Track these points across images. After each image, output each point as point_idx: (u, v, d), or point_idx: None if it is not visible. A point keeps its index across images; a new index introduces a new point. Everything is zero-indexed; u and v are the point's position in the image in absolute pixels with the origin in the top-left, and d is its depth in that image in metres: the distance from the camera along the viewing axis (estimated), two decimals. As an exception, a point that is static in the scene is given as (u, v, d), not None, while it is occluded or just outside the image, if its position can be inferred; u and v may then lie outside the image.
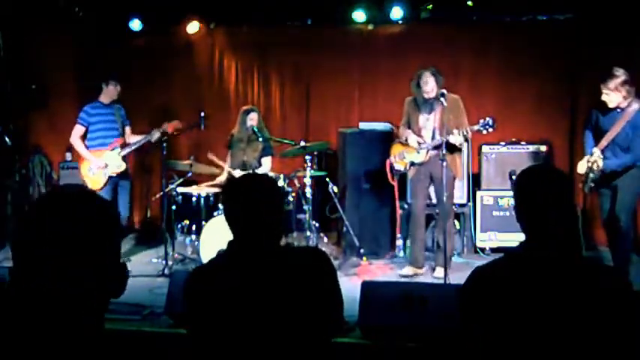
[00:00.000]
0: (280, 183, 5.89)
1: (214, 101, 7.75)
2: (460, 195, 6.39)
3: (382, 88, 7.41)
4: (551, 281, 1.90)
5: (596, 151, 5.04)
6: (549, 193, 2.00)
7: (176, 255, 6.00)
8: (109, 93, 6.28)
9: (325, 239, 6.52)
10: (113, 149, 6.19)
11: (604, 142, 5.02)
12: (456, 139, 5.34)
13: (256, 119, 6.22)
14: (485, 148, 6.68)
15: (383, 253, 6.33)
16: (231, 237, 2.19)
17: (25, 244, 1.40)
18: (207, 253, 5.49)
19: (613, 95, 4.91)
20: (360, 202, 6.44)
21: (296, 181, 6.19)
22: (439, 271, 5.51)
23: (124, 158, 6.25)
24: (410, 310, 3.90)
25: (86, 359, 1.39)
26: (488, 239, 6.50)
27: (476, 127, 5.31)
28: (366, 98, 7.54)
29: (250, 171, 6.00)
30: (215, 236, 5.51)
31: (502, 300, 1.92)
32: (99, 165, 6.12)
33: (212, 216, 5.78)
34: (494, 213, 6.52)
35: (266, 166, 6.28)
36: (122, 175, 6.30)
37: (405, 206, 6.26)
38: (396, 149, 5.82)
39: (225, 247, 2.19)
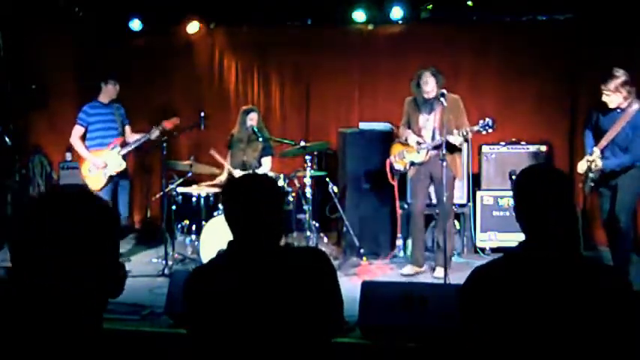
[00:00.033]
0: (280, 183, 5.89)
1: (214, 101, 7.75)
2: (460, 195, 6.39)
3: (382, 88, 7.41)
4: (551, 281, 1.90)
5: (596, 150, 5.04)
6: (549, 193, 2.00)
7: (176, 255, 6.00)
8: (108, 92, 6.28)
9: (325, 239, 6.52)
10: (113, 148, 6.19)
11: (603, 142, 5.03)
12: (455, 139, 5.34)
13: (256, 119, 6.22)
14: (485, 148, 6.68)
15: (383, 253, 6.32)
16: (231, 237, 2.19)
17: (25, 243, 1.40)
18: (207, 253, 5.49)
19: (613, 96, 4.91)
20: (360, 202, 6.44)
21: (296, 181, 6.19)
22: (439, 271, 5.51)
23: (124, 157, 6.25)
24: (410, 310, 3.90)
25: (86, 359, 1.39)
26: (488, 239, 6.50)
27: (476, 128, 5.31)
28: (366, 98, 7.54)
29: (250, 171, 6.00)
30: (215, 236, 5.51)
31: (502, 300, 1.92)
32: (99, 165, 6.12)
33: (212, 216, 5.78)
34: (494, 213, 6.52)
35: (266, 166, 6.28)
36: (122, 175, 6.30)
37: (405, 206, 6.26)
38: (396, 149, 5.82)
39: (225, 247, 2.19)
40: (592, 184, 5.13)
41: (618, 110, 4.98)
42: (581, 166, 5.18)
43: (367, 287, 4.10)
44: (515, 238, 5.90)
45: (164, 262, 5.77)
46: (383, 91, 7.38)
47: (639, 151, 4.92)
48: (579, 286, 1.90)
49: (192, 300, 2.14)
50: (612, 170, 5.00)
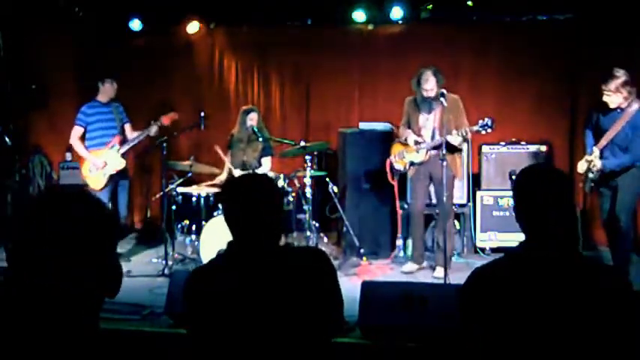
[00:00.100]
0: (280, 183, 5.89)
1: (214, 101, 7.75)
2: (460, 195, 6.39)
3: (382, 88, 7.41)
4: (551, 281, 1.90)
5: (595, 150, 5.04)
6: (549, 193, 2.00)
7: (176, 255, 6.00)
8: (106, 91, 6.28)
9: (325, 239, 6.51)
10: (112, 147, 6.19)
11: (603, 142, 5.03)
12: (454, 139, 5.34)
13: (256, 119, 6.22)
14: (485, 148, 6.68)
15: (383, 254, 6.32)
16: (231, 237, 2.19)
17: (25, 243, 1.40)
18: (207, 253, 5.49)
19: (614, 96, 4.91)
20: (360, 202, 6.44)
21: (296, 181, 6.19)
22: (439, 271, 5.51)
23: (124, 156, 6.25)
24: (410, 310, 3.90)
25: (85, 357, 1.40)
26: (488, 239, 6.50)
27: (475, 128, 5.31)
28: (366, 98, 7.53)
29: (250, 171, 6.01)
30: (215, 236, 5.51)
31: (502, 300, 1.92)
32: (98, 165, 6.12)
33: (212, 216, 5.78)
34: (494, 213, 6.52)
35: (266, 166, 6.29)
36: (121, 175, 6.30)
37: (405, 206, 6.26)
38: (396, 149, 5.83)
39: (225, 247, 2.19)
40: (592, 184, 5.14)
41: (618, 110, 4.98)
42: (581, 166, 5.18)
43: (367, 287, 4.10)
44: (515, 238, 5.91)
45: (164, 262, 5.77)
46: (383, 91, 7.38)
47: (639, 151, 4.92)
48: (579, 286, 1.90)
49: (192, 300, 2.14)
50: (612, 170, 5.01)
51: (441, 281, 5.17)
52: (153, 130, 6.17)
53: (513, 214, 2.08)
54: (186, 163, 6.06)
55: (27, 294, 1.38)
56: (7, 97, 7.04)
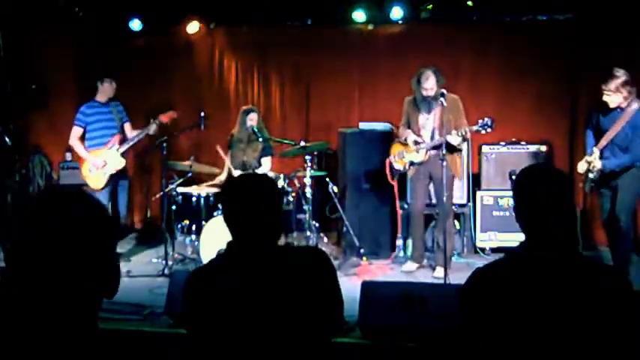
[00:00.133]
0: (280, 183, 5.89)
1: (214, 101, 7.75)
2: (460, 195, 6.39)
3: (382, 88, 7.40)
4: (551, 281, 1.90)
5: (596, 151, 5.05)
6: (549, 193, 2.00)
7: (176, 255, 6.00)
8: (105, 91, 6.28)
9: (325, 239, 6.52)
10: (111, 147, 6.19)
11: (603, 142, 5.03)
12: (454, 139, 5.34)
13: (256, 119, 6.22)
14: (485, 148, 6.67)
15: (383, 254, 6.32)
16: (230, 237, 2.19)
17: (25, 243, 1.40)
18: (207, 253, 5.50)
19: (614, 96, 4.91)
20: (360, 202, 6.44)
21: (296, 181, 6.19)
22: (439, 271, 5.51)
23: (123, 155, 6.25)
24: (410, 310, 3.90)
25: (85, 357, 1.40)
26: (488, 239, 6.50)
27: (475, 128, 5.32)
28: (366, 98, 7.53)
29: (250, 171, 6.01)
30: (215, 236, 5.51)
31: (502, 300, 1.92)
32: (98, 165, 6.12)
33: (212, 216, 5.79)
34: (494, 213, 6.52)
35: (266, 166, 6.29)
36: (121, 175, 6.30)
37: (405, 206, 6.26)
38: (396, 149, 5.83)
39: (225, 247, 2.19)
40: (592, 185, 5.14)
41: (618, 110, 4.98)
42: (581, 167, 5.18)
43: (367, 287, 4.10)
44: (515, 238, 5.92)
45: (164, 262, 5.77)
46: (383, 91, 7.38)
47: (639, 151, 4.92)
48: (579, 286, 1.90)
49: (192, 300, 2.14)
50: (612, 170, 5.01)
51: (441, 281, 5.17)
52: (152, 128, 6.18)
53: (513, 214, 2.08)
54: (186, 163, 6.06)
55: (26, 294, 1.38)
56: (7, 97, 7.04)
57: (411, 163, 5.70)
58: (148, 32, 7.64)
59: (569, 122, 7.03)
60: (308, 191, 5.84)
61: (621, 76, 4.88)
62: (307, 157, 5.78)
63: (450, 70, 6.29)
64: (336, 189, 6.20)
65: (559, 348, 1.85)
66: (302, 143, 5.88)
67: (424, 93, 5.48)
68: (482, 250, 6.49)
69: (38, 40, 7.29)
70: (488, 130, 5.28)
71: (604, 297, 1.88)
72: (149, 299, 4.84)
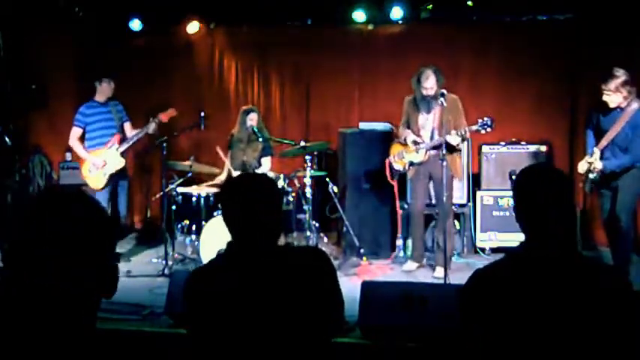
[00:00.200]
0: (280, 183, 5.89)
1: (214, 101, 7.75)
2: (460, 195, 6.39)
3: (382, 88, 7.40)
4: (551, 281, 1.90)
5: (596, 151, 5.05)
6: (549, 193, 2.00)
7: (176, 255, 6.00)
8: (104, 91, 6.28)
9: (325, 239, 6.52)
10: (111, 147, 6.19)
11: (604, 142, 5.03)
12: (453, 139, 5.34)
13: (256, 119, 6.22)
14: (485, 148, 6.67)
15: (383, 253, 6.32)
16: (230, 237, 2.19)
17: (25, 243, 1.40)
18: (207, 253, 5.50)
19: (614, 96, 4.91)
20: (360, 202, 6.44)
21: (296, 181, 6.19)
22: (439, 271, 5.51)
23: (123, 155, 6.25)
24: (410, 310, 3.90)
25: (84, 357, 1.40)
26: (488, 239, 6.50)
27: (474, 127, 5.32)
28: (366, 98, 7.54)
29: (250, 171, 6.01)
30: (215, 236, 5.51)
31: (502, 300, 1.92)
32: (98, 165, 6.12)
33: (212, 216, 5.78)
34: (494, 213, 6.52)
35: (266, 166, 6.29)
36: (121, 175, 6.30)
37: (405, 206, 6.26)
38: (396, 149, 5.83)
39: (225, 247, 2.19)
40: (592, 185, 5.14)
41: (618, 110, 4.98)
42: (582, 167, 5.18)
43: (367, 287, 4.10)
44: (515, 238, 5.92)
45: (164, 262, 5.77)
46: (383, 91, 7.38)
47: (639, 151, 4.92)
48: (580, 286, 1.90)
49: (192, 300, 2.14)
50: (612, 171, 5.01)
51: (441, 281, 5.17)
52: (151, 127, 6.17)
53: (513, 214, 2.08)
54: (186, 163, 6.06)
55: (26, 294, 1.38)
56: (7, 97, 7.04)
57: (411, 164, 5.70)
58: (148, 32, 7.64)
59: (569, 122, 7.03)
60: (308, 191, 5.84)
61: (621, 76, 4.88)
62: (307, 157, 5.78)
63: (450, 70, 6.29)
64: (336, 189, 6.20)
65: (559, 348, 1.85)
66: (302, 143, 5.88)
67: (424, 92, 5.48)
68: (483, 250, 6.49)
69: (38, 40, 7.29)
70: (488, 129, 5.29)
71: (604, 297, 1.88)
72: (149, 299, 4.84)
